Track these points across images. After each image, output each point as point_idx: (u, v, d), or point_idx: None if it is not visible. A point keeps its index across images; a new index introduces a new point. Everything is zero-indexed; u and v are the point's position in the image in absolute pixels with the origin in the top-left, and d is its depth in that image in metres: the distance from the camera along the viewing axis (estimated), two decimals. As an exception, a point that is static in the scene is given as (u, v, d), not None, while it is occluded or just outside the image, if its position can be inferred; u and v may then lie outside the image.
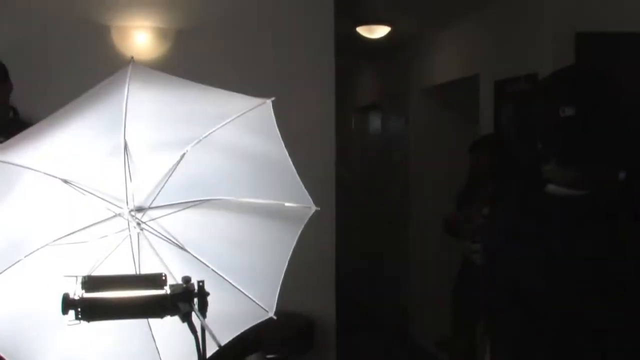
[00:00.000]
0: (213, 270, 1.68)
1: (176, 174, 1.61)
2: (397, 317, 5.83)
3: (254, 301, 1.73)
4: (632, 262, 1.33)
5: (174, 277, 1.44)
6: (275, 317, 1.78)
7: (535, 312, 1.43)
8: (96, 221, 1.59)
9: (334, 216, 3.54)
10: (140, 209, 1.61)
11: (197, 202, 1.64)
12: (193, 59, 3.50)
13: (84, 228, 1.58)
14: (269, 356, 3.11)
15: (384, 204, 6.36)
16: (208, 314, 1.34)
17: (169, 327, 1.66)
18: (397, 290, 5.91)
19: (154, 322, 1.70)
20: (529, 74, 3.74)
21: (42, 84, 3.29)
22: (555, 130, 1.39)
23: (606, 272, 1.35)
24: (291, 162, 1.67)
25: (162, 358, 1.73)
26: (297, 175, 1.68)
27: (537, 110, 1.45)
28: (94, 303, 1.27)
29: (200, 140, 1.59)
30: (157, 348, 1.72)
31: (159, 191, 1.61)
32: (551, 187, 1.43)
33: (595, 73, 1.46)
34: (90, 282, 1.29)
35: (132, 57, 1.57)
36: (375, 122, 6.95)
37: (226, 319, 1.64)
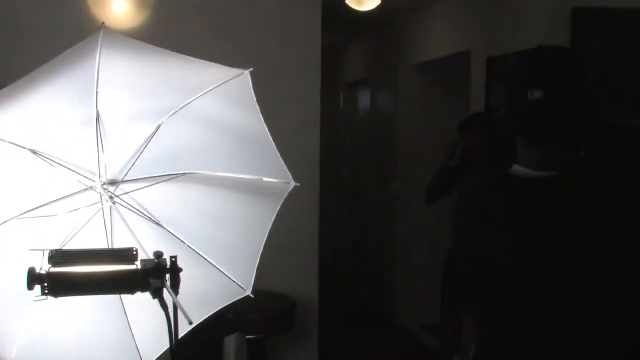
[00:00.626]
0: (188, 246, 1.68)
1: (151, 146, 1.59)
2: (382, 299, 5.88)
3: (230, 278, 1.73)
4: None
5: (147, 253, 1.44)
6: (252, 296, 1.78)
7: (508, 293, 1.47)
8: (67, 194, 1.57)
9: (318, 193, 3.53)
10: (113, 182, 1.60)
11: (173, 176, 1.63)
12: (173, 30, 3.45)
13: (53, 201, 1.57)
14: (248, 337, 3.12)
15: (373, 181, 6.37)
16: (182, 291, 1.33)
17: (144, 309, 1.67)
18: (382, 271, 5.95)
19: (128, 303, 1.69)
20: (521, 51, 3.72)
21: (7, 48, 3.23)
22: (523, 113, 1.44)
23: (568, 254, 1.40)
24: (270, 137, 1.66)
25: (136, 340, 1.73)
26: (276, 149, 1.67)
27: (506, 92, 1.45)
28: (62, 278, 1.27)
29: (177, 111, 1.57)
30: (131, 331, 1.72)
31: (133, 164, 1.59)
32: (515, 168, 1.47)
33: (565, 55, 1.51)
34: (58, 256, 1.29)
35: (103, 23, 1.54)
36: (364, 98, 6.93)
37: (201, 297, 1.64)
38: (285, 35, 3.63)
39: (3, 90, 1.59)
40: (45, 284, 1.27)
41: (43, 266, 1.28)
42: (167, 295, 1.29)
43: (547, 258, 1.41)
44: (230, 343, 3.01)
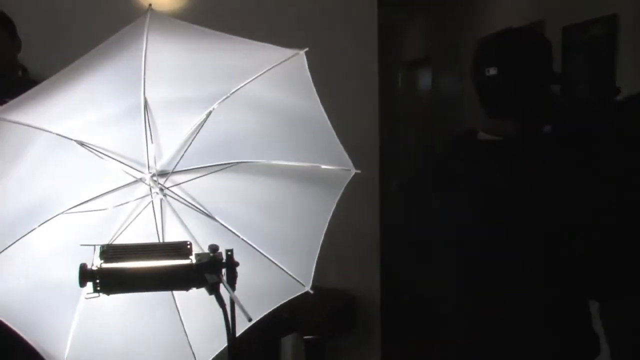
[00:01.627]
0: (243, 239, 1.70)
1: (201, 134, 1.61)
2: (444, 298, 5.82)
3: (288, 274, 1.74)
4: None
5: (201, 247, 1.46)
6: (312, 292, 1.80)
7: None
8: (115, 187, 1.61)
9: (377, 182, 3.52)
10: (163, 174, 1.63)
11: (225, 166, 1.65)
12: (221, 10, 3.48)
13: (101, 195, 1.61)
14: (306, 337, 3.14)
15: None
16: (238, 287, 1.35)
17: (197, 306, 1.71)
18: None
19: (181, 301, 1.73)
20: (605, 16, 3.59)
21: (52, 39, 3.33)
22: (482, 87, 1.80)
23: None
24: (328, 120, 1.66)
25: (190, 340, 1.77)
26: (334, 134, 1.67)
27: (471, 68, 1.85)
28: (114, 274, 1.30)
29: (228, 96, 1.59)
30: (184, 328, 1.76)
31: (183, 154, 1.62)
32: (480, 134, 1.83)
33: (526, 37, 1.87)
34: (109, 252, 1.32)
35: (150, 5, 1.57)
36: (425, 79, 6.86)
37: (258, 292, 1.66)
38: (340, 14, 3.62)
39: (46, 81, 1.63)
40: (97, 281, 1.29)
41: (94, 262, 1.31)
42: (223, 291, 1.30)
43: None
44: (287, 344, 3.04)
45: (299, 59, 1.63)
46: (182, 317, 1.75)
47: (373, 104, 3.64)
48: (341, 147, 1.68)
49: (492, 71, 1.74)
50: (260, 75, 1.59)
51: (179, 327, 1.75)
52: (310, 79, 1.64)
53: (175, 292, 1.72)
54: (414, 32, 7.13)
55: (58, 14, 3.43)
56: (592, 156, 1.89)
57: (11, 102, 1.59)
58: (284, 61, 1.60)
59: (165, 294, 1.71)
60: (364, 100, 3.63)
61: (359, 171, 1.70)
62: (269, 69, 1.59)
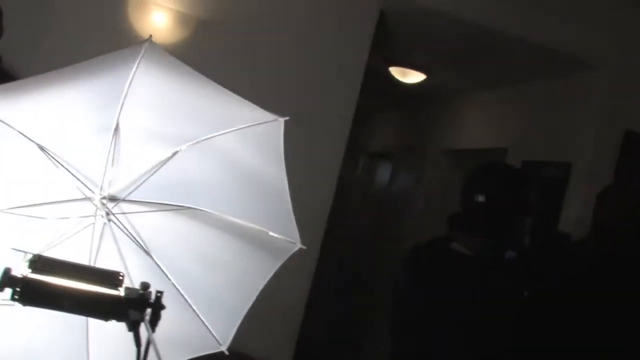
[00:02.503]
0: (173, 284, 1.68)
1: (162, 170, 1.62)
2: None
3: (209, 329, 1.72)
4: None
5: (131, 281, 1.44)
6: (227, 353, 1.78)
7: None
8: (61, 199, 1.59)
9: (315, 259, 3.53)
10: (113, 199, 1.62)
11: (177, 207, 1.65)
12: (210, 54, 3.54)
13: (46, 203, 1.59)
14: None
15: (373, 265, 6.35)
16: (157, 330, 1.33)
17: (108, 340, 1.66)
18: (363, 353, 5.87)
19: (94, 330, 1.69)
20: (563, 162, 3.79)
21: (36, 39, 3.30)
22: (470, 210, 2.11)
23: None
24: (288, 192, 1.69)
25: None
26: (290, 207, 1.70)
27: (462, 193, 2.15)
28: (37, 286, 1.27)
29: (198, 141, 1.61)
30: (88, 354, 1.71)
31: (140, 184, 1.62)
32: (453, 244, 2.13)
33: (507, 171, 2.22)
34: (40, 262, 1.29)
35: (151, 36, 1.60)
36: (383, 172, 7.00)
37: (175, 341, 1.63)
38: (321, 86, 3.71)
39: (26, 79, 1.63)
40: (18, 289, 1.26)
41: (21, 269, 1.29)
42: (141, 331, 1.29)
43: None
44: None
45: (277, 125, 1.67)
46: (90, 349, 1.70)
47: (330, 184, 3.69)
48: (294, 220, 1.71)
49: (481, 198, 2.03)
50: (235, 130, 1.62)
51: (85, 356, 1.70)
52: (282, 148, 1.67)
53: (91, 321, 1.68)
54: (383, 124, 7.32)
55: (50, 17, 3.42)
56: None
57: None
58: (261, 123, 1.64)
59: (80, 321, 1.66)
60: (323, 177, 3.68)
61: (304, 247, 1.72)
62: (245, 127, 1.62)
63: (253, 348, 3.35)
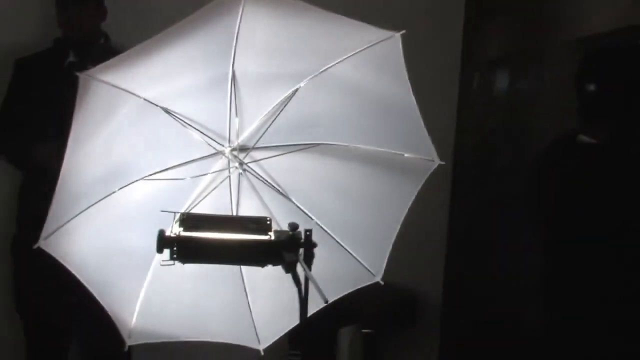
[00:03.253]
0: (317, 223, 1.69)
1: (286, 112, 1.61)
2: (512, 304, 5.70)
3: (360, 262, 1.73)
4: None
5: (279, 225, 1.45)
6: (382, 282, 1.78)
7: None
8: (195, 157, 1.62)
9: (450, 178, 3.46)
10: (243, 149, 1.63)
11: (307, 146, 1.65)
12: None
13: (181, 164, 1.62)
14: (364, 330, 3.12)
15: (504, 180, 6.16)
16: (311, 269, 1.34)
17: (264, 285, 1.71)
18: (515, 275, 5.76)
19: (248, 278, 1.74)
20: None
21: (132, 9, 3.33)
22: (586, 98, 1.93)
23: None
24: (417, 108, 1.63)
25: (254, 321, 1.77)
26: (422, 123, 1.64)
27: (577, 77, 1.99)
28: (192, 242, 1.30)
29: (317, 75, 1.58)
30: (250, 308, 1.76)
31: (265, 130, 1.62)
32: (579, 137, 1.93)
33: (621, 52, 2.03)
34: (189, 220, 1.32)
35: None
36: (501, 80, 6.70)
37: (329, 277, 1.63)
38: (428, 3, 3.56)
39: (138, 47, 1.65)
40: (175, 248, 1.30)
41: (173, 229, 1.32)
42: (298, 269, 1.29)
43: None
44: (345, 335, 3.03)
45: (394, 41, 1.60)
46: (249, 297, 1.75)
47: (451, 98, 3.58)
48: (428, 136, 1.65)
49: (593, 87, 1.90)
50: (353, 55, 1.57)
51: (245, 307, 1.76)
52: (403, 63, 1.60)
53: (244, 270, 1.73)
54: (494, 30, 6.98)
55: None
56: None
57: (103, 64, 1.62)
58: (378, 42, 1.58)
59: (234, 271, 1.71)
60: (443, 93, 3.58)
61: (443, 162, 1.67)
62: (363, 50, 1.57)
63: (402, 276, 3.35)
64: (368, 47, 1.58)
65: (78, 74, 1.60)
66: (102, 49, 2.58)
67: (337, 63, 1.57)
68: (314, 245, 1.32)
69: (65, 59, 2.56)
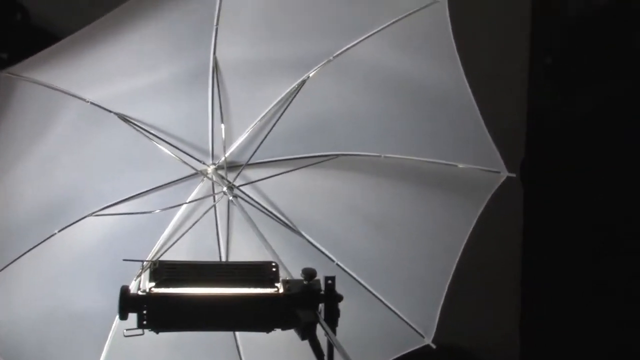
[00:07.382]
0: (339, 265, 1.71)
1: (288, 113, 1.63)
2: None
3: (403, 319, 1.74)
4: None
5: (287, 271, 1.46)
6: (433, 346, 1.78)
7: None
8: (166, 181, 1.64)
9: (521, 194, 3.47)
10: (232, 166, 1.65)
11: (320, 159, 1.66)
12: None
13: (147, 191, 1.64)
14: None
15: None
16: (337, 330, 1.34)
17: (267, 354, 1.72)
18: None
19: (244, 344, 1.75)
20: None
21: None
22: None
23: None
24: (473, 100, 1.64)
25: None
26: (481, 121, 1.65)
27: None
28: (168, 303, 1.29)
29: (331, 60, 1.60)
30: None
31: (262, 140, 1.63)
32: None
33: None
34: (163, 271, 1.31)
35: None
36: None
37: (362, 341, 1.66)
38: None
39: (77, 34, 1.64)
40: (145, 312, 1.28)
41: (142, 284, 1.32)
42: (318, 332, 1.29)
43: None
44: None
45: (437, 9, 1.61)
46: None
47: (520, 96, 3.59)
48: (490, 140, 1.66)
49: None
50: (380, 30, 1.59)
51: None
52: (451, 36, 1.61)
53: (240, 337, 1.74)
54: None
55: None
56: None
57: (32, 58, 1.63)
58: (415, 11, 1.59)
59: (226, 339, 1.73)
60: (510, 87, 3.59)
61: (513, 174, 1.68)
62: (394, 22, 1.59)
63: (465, 336, 3.34)
64: (402, 17, 1.59)
65: None
66: (18, 30, 2.60)
67: (358, 42, 1.59)
68: (339, 298, 1.32)
69: None
